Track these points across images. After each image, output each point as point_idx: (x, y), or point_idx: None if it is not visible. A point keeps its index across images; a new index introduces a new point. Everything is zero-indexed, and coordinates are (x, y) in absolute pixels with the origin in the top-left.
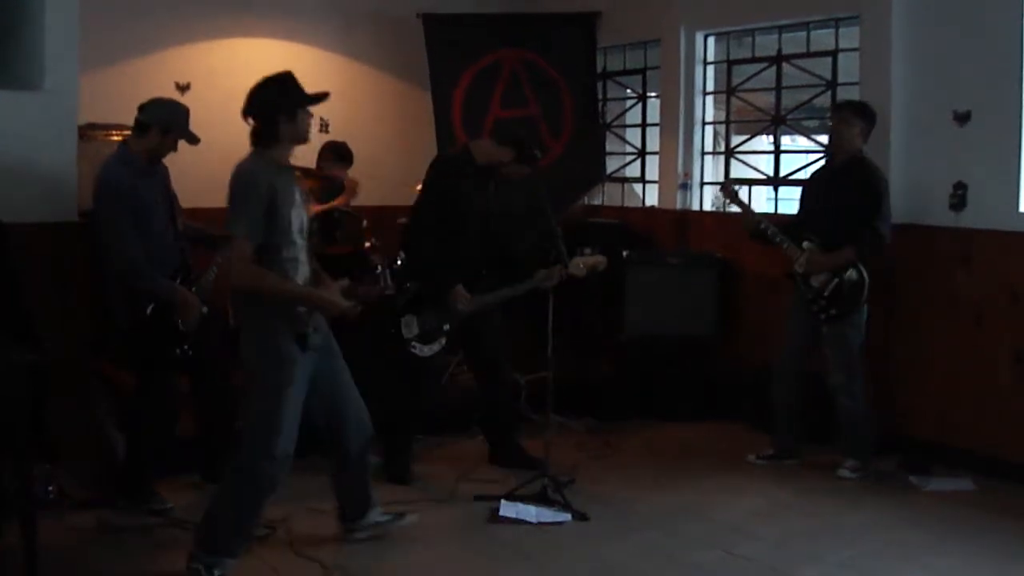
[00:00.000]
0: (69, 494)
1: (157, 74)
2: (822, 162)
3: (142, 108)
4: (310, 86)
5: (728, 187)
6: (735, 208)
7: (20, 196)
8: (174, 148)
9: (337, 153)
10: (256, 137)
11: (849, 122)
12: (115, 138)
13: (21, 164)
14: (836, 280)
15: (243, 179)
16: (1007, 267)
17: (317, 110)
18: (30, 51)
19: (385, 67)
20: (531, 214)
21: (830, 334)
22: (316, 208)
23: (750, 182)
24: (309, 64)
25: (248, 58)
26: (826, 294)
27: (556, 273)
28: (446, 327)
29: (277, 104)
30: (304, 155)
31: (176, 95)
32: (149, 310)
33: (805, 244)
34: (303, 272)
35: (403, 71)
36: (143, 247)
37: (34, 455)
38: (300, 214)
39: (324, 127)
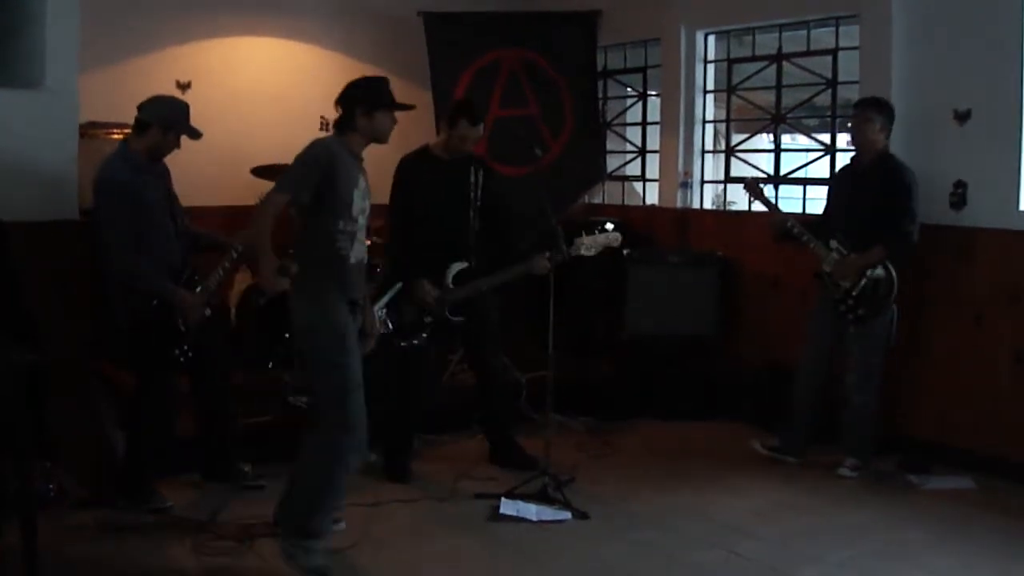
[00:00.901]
0: (69, 493)
1: (158, 72)
2: (848, 160)
3: (141, 107)
4: (310, 84)
5: (754, 185)
6: (758, 206)
7: (21, 195)
8: (177, 145)
9: None
10: (336, 124)
11: (870, 119)
12: (116, 136)
13: (22, 163)
14: (864, 280)
15: (311, 148)
16: (1007, 266)
17: (315, 107)
18: (31, 49)
19: (385, 65)
20: (532, 213)
21: (857, 333)
22: None
23: None
24: (309, 62)
25: (249, 56)
26: (855, 294)
27: (545, 261)
28: (428, 319)
29: (359, 99)
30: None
31: (177, 93)
32: (149, 309)
33: (832, 244)
34: (358, 250)
35: (403, 70)
36: (143, 246)
37: (34, 454)
38: (363, 199)
39: (324, 125)
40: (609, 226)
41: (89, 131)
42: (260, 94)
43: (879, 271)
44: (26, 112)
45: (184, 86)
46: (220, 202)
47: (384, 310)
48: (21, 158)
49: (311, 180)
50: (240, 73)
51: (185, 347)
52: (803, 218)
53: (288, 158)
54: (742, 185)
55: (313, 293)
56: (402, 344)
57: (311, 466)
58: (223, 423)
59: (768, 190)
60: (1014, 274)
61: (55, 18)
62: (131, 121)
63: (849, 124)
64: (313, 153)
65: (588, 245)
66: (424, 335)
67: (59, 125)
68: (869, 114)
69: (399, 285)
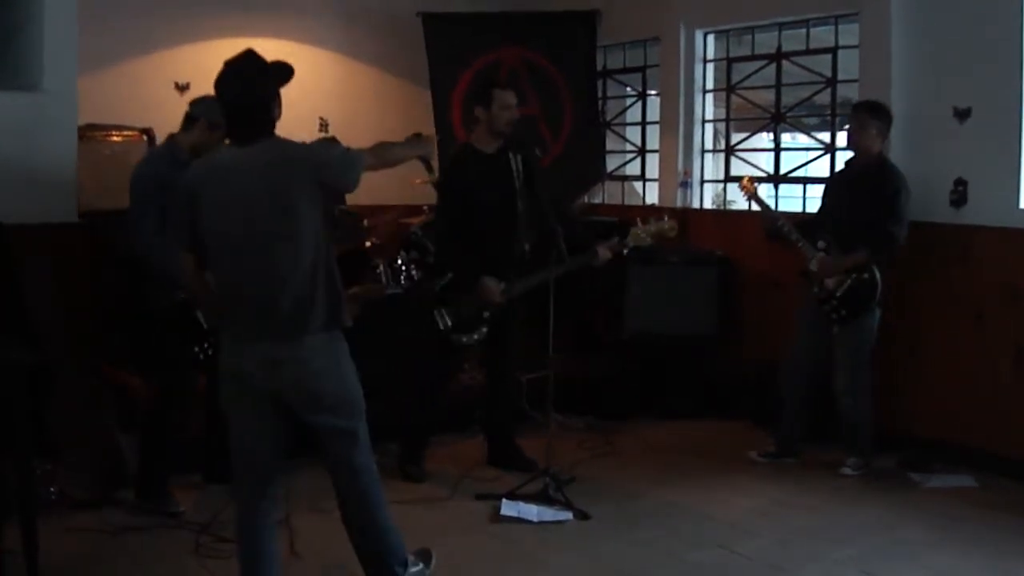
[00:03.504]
0: (71, 495)
1: (157, 74)
2: (845, 162)
3: (193, 103)
4: (310, 85)
5: (748, 185)
6: (754, 206)
7: (20, 197)
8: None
9: None
10: None
11: (865, 124)
12: (115, 139)
13: (21, 165)
14: (849, 281)
15: None
16: (1008, 264)
17: (315, 108)
18: (29, 52)
19: (385, 66)
20: (531, 213)
21: (841, 335)
22: None
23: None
24: (309, 63)
25: None
26: (838, 295)
27: (606, 250)
28: (486, 314)
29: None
30: None
31: (175, 95)
32: (174, 304)
33: (819, 244)
34: None
35: (403, 70)
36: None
37: (35, 455)
38: None
39: (324, 126)
40: (662, 219)
41: (88, 133)
42: None
43: (864, 273)
44: (25, 114)
45: (183, 87)
46: None
47: (440, 309)
48: (20, 160)
49: None
50: None
51: (206, 345)
52: (800, 217)
53: None
54: (738, 184)
55: (331, 323)
56: (463, 340)
57: (380, 503)
58: (225, 424)
59: (768, 189)
60: (1015, 272)
61: (53, 20)
62: (130, 123)
63: (847, 126)
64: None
65: (642, 236)
66: (484, 329)
67: (58, 127)
68: (865, 118)
69: (448, 278)
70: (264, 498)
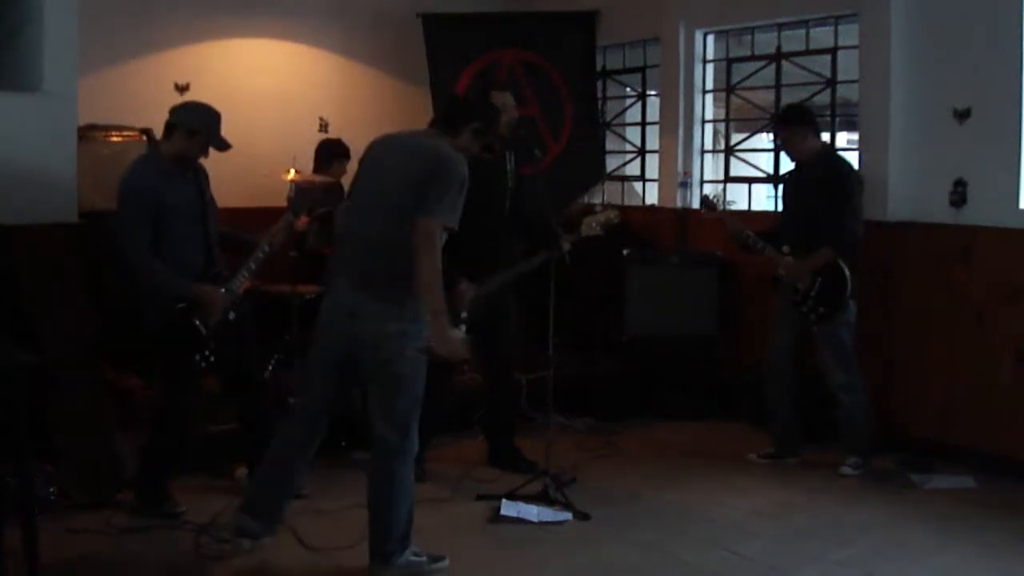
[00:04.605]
0: (71, 496)
1: (156, 74)
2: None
3: (172, 110)
4: (309, 86)
5: (709, 202)
6: (760, 206)
7: (20, 198)
8: (204, 153)
9: (332, 152)
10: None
11: (790, 136)
12: (114, 139)
13: (21, 166)
14: (819, 280)
15: (456, 164)
16: (1008, 264)
17: (316, 109)
18: (29, 53)
19: (385, 67)
20: (531, 214)
21: (823, 335)
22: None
23: (750, 180)
24: (308, 64)
25: (247, 58)
26: (812, 294)
27: (568, 243)
28: (464, 314)
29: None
30: (303, 155)
31: (175, 96)
32: (174, 314)
33: (784, 249)
34: None
35: (403, 71)
36: (163, 251)
37: (35, 456)
38: None
39: (323, 127)
40: (598, 208)
41: (88, 133)
42: (259, 96)
43: (832, 270)
44: (25, 115)
45: (182, 88)
46: (218, 204)
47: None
48: (20, 161)
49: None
50: (238, 75)
51: (207, 352)
52: (774, 219)
53: (286, 159)
54: (700, 204)
55: (415, 304)
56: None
57: (405, 485)
58: (264, 424)
59: (767, 189)
60: (1015, 272)
61: (53, 21)
62: (129, 123)
63: (778, 145)
64: (461, 171)
65: (594, 226)
66: (464, 329)
67: (58, 128)
68: (787, 131)
69: None
70: (310, 432)
